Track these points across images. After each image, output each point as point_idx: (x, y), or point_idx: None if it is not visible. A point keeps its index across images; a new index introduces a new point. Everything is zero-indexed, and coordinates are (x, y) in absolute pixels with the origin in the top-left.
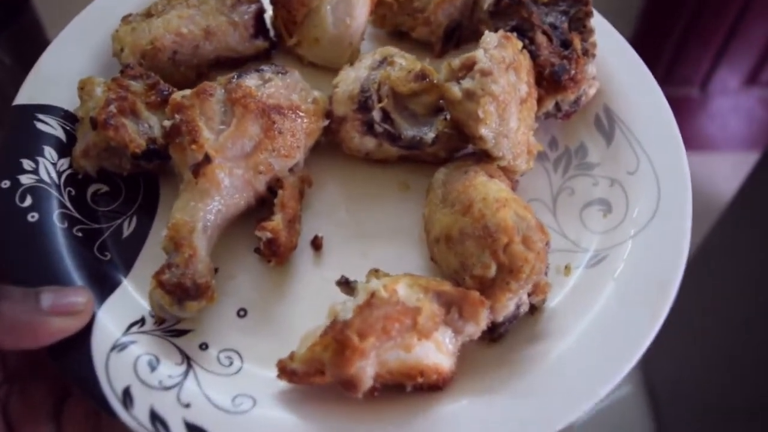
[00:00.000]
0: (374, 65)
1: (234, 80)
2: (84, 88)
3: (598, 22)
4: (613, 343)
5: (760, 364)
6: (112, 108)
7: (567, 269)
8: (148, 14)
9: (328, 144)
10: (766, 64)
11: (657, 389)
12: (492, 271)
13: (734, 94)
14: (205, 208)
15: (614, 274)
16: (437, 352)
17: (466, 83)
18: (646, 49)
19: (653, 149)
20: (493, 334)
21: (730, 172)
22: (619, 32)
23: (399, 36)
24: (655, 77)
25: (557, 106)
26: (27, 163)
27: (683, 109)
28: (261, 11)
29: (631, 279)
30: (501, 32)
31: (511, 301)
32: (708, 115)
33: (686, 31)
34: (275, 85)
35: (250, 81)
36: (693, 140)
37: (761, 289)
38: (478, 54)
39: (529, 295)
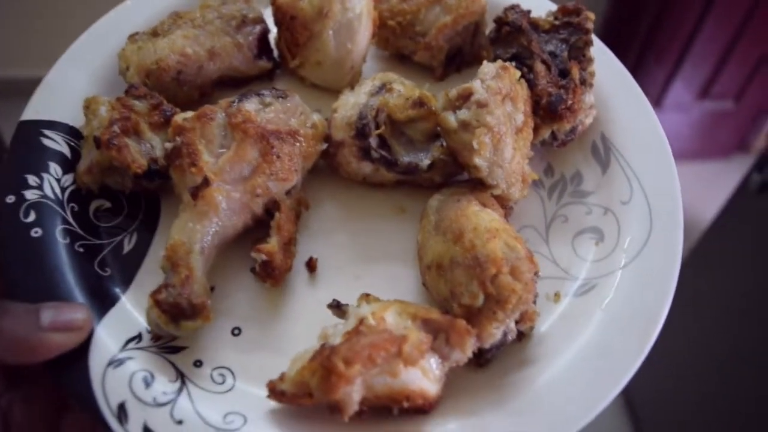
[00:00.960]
0: (373, 91)
1: (234, 104)
2: (89, 107)
3: (598, 49)
4: (599, 372)
5: (738, 376)
6: (116, 128)
7: (557, 296)
8: (154, 33)
9: (326, 166)
10: (717, 77)
11: (636, 401)
12: (479, 300)
13: (687, 107)
14: (203, 229)
15: (602, 303)
16: (423, 378)
17: (462, 114)
18: None
19: (647, 180)
20: (480, 359)
21: (685, 183)
22: None
23: (401, 58)
24: None
25: (553, 135)
26: (32, 179)
27: None
28: (265, 32)
29: (619, 310)
30: (499, 62)
31: (498, 330)
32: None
33: (642, 50)
34: (275, 110)
35: (250, 105)
36: None
37: (741, 301)
38: (475, 85)
39: (516, 322)
